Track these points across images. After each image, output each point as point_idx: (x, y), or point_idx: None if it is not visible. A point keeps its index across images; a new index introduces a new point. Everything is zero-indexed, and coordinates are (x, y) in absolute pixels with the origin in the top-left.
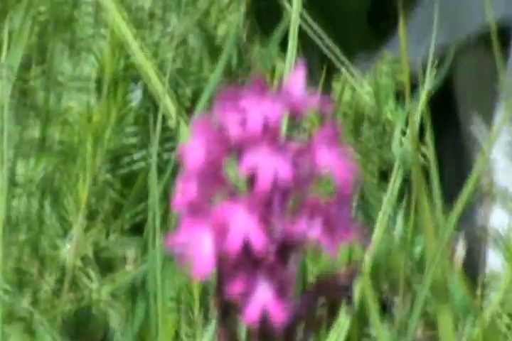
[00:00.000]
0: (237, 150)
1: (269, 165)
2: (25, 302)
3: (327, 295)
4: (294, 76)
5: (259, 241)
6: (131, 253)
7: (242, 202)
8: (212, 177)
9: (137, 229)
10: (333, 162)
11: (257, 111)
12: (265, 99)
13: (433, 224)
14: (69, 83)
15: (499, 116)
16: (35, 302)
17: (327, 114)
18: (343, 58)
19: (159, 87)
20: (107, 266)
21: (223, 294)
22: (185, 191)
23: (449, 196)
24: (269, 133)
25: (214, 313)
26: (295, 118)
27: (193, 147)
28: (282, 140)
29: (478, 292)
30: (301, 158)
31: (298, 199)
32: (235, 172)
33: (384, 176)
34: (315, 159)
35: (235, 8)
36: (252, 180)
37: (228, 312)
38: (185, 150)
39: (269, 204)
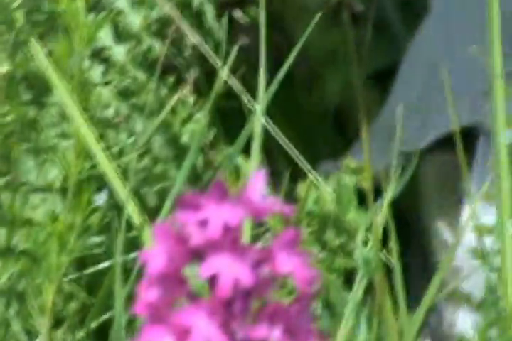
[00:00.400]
0: (198, 254)
1: (229, 270)
2: None
3: None
4: (255, 180)
5: None
6: None
7: (203, 307)
8: (174, 281)
9: (103, 333)
10: (293, 266)
11: (218, 215)
12: (226, 203)
13: (396, 329)
14: (34, 188)
15: (463, 217)
16: None
17: (288, 218)
18: (307, 162)
19: (123, 191)
20: None
21: None
22: (146, 296)
23: (414, 299)
24: (229, 238)
25: None
26: (256, 223)
27: (154, 252)
28: (243, 244)
29: None
30: (261, 263)
31: (259, 303)
32: (196, 276)
33: (348, 279)
34: (276, 264)
35: (200, 110)
36: (212, 284)
37: None
38: (146, 255)
39: (230, 308)
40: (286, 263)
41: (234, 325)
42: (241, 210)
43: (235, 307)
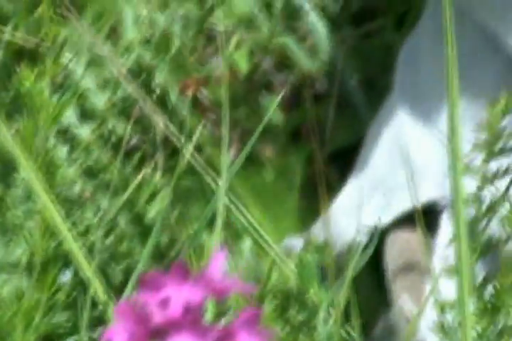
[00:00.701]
0: (160, 333)
1: None
2: None
3: None
4: (216, 259)
5: None
6: None
7: None
8: None
9: None
10: None
11: (179, 294)
12: (187, 282)
13: None
14: (0, 267)
15: (427, 290)
16: None
17: (250, 296)
18: (272, 238)
19: (88, 269)
20: None
21: None
22: None
23: None
24: (190, 317)
25: None
26: (217, 302)
27: (116, 330)
28: (204, 323)
29: None
30: None
31: None
32: None
33: None
34: None
35: (164, 188)
36: None
37: None
38: (109, 333)
39: None
40: None
41: None
42: (202, 289)
43: None
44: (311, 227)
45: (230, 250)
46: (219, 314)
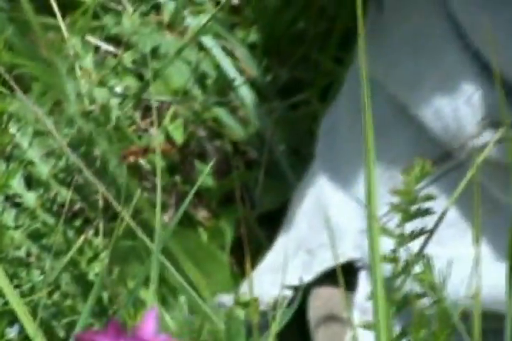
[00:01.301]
0: None
1: None
2: None
3: None
4: (149, 317)
5: None
6: None
7: None
8: None
9: None
10: None
11: None
12: (121, 340)
13: None
14: None
15: (347, 340)
16: None
17: None
18: (206, 294)
19: (32, 326)
20: None
21: None
22: None
23: None
24: None
25: None
26: None
27: None
28: None
29: None
30: None
31: None
32: None
33: None
34: None
35: (104, 249)
36: None
37: None
38: None
39: None
40: None
41: None
42: None
43: None
44: (241, 284)
45: (166, 306)
46: None
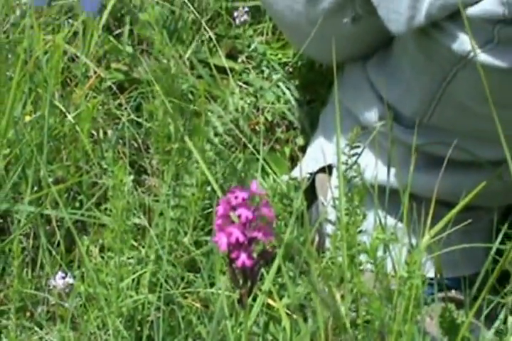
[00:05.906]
0: None
1: None
2: None
3: None
4: (253, 185)
5: None
6: None
7: None
8: None
9: None
10: None
11: None
12: None
13: None
14: None
15: None
16: None
17: None
18: None
19: None
20: None
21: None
22: None
23: None
24: None
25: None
26: None
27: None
28: None
29: None
30: None
31: None
32: None
33: None
34: None
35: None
36: None
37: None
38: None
39: None
40: None
41: None
42: None
43: None
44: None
45: None
46: None
